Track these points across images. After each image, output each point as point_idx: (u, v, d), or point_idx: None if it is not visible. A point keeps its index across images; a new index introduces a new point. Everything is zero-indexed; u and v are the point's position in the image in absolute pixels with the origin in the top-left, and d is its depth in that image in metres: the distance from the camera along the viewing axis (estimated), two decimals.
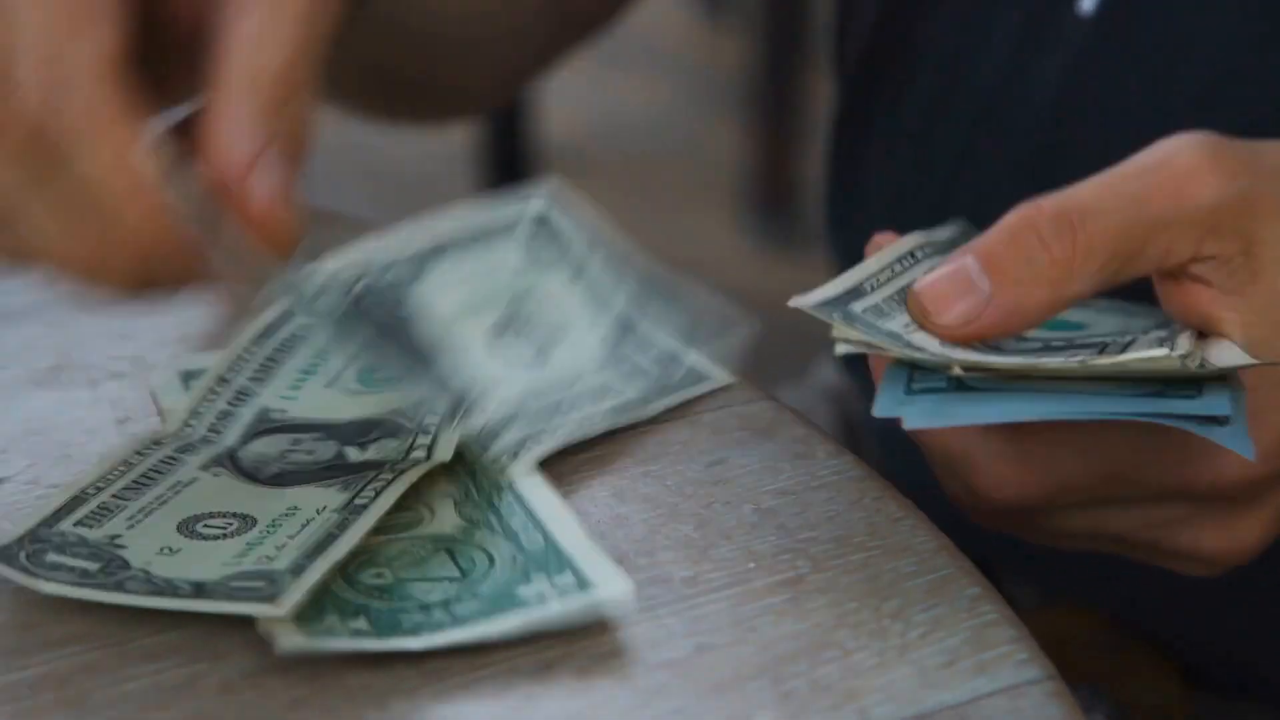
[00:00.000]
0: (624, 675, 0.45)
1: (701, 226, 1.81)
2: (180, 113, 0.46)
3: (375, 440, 0.50)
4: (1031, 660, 0.45)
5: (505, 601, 0.46)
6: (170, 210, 0.43)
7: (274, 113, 0.44)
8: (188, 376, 0.53)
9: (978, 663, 0.45)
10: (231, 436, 0.50)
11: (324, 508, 0.47)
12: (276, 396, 0.52)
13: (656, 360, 0.52)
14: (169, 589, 0.45)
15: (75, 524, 0.47)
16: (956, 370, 0.48)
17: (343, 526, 0.46)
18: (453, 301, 0.51)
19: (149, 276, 0.44)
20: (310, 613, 0.45)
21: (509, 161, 1.77)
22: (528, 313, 0.52)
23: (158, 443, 0.50)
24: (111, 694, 0.43)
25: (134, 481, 0.48)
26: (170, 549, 0.46)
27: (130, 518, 0.47)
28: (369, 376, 0.52)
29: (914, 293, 0.49)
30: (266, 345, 0.53)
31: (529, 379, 0.51)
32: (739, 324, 0.53)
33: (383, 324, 0.49)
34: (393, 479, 0.48)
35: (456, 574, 0.47)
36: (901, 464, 0.67)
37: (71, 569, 0.45)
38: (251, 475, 0.49)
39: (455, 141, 1.91)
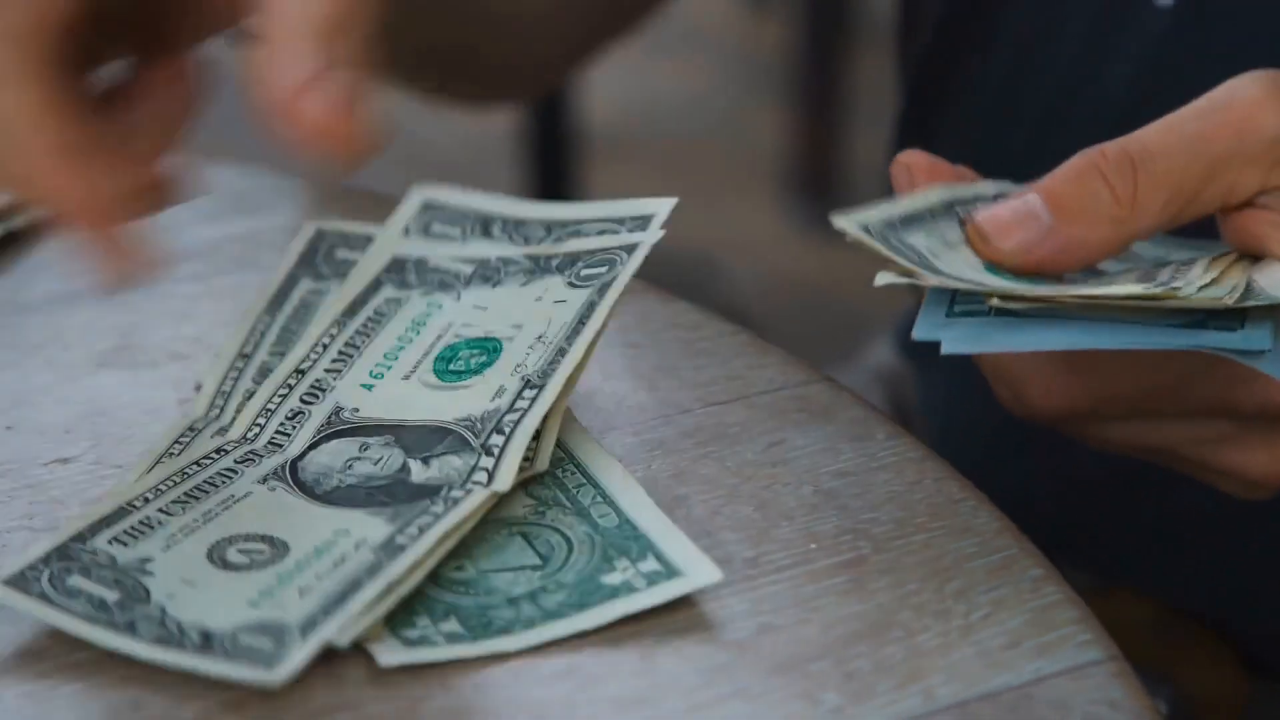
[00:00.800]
0: (688, 655, 0.45)
1: (743, 211, 1.81)
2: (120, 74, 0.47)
3: (441, 455, 0.48)
4: (1095, 641, 0.45)
5: (592, 591, 0.46)
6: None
7: (329, 41, 0.44)
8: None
9: (1041, 644, 0.45)
10: (299, 442, 0.49)
11: (362, 543, 0.46)
12: (354, 387, 0.51)
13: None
14: (177, 638, 0.44)
15: (111, 540, 0.46)
16: (995, 301, 0.48)
17: (373, 572, 0.45)
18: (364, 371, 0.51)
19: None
20: (401, 615, 0.45)
21: (549, 147, 1.77)
22: (428, 335, 0.51)
23: (192, 429, 0.49)
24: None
25: (186, 494, 0.47)
26: (193, 581, 0.45)
27: (169, 537, 0.46)
28: (444, 368, 0.51)
29: (975, 221, 0.50)
30: (349, 326, 0.52)
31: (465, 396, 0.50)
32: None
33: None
34: (441, 514, 0.47)
35: (536, 561, 0.47)
36: (956, 446, 0.67)
37: (90, 597, 0.44)
38: (309, 490, 0.48)
39: (495, 128, 1.91)
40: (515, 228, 0.53)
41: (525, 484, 0.49)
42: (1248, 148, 0.50)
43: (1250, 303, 0.48)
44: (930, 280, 0.49)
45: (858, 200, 0.54)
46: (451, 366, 0.51)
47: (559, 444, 0.50)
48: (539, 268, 0.52)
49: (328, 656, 0.44)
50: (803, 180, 1.86)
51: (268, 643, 0.44)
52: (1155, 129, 0.50)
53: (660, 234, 0.51)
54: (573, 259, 0.52)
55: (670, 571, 0.46)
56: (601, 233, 0.52)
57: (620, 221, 0.52)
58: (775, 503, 0.49)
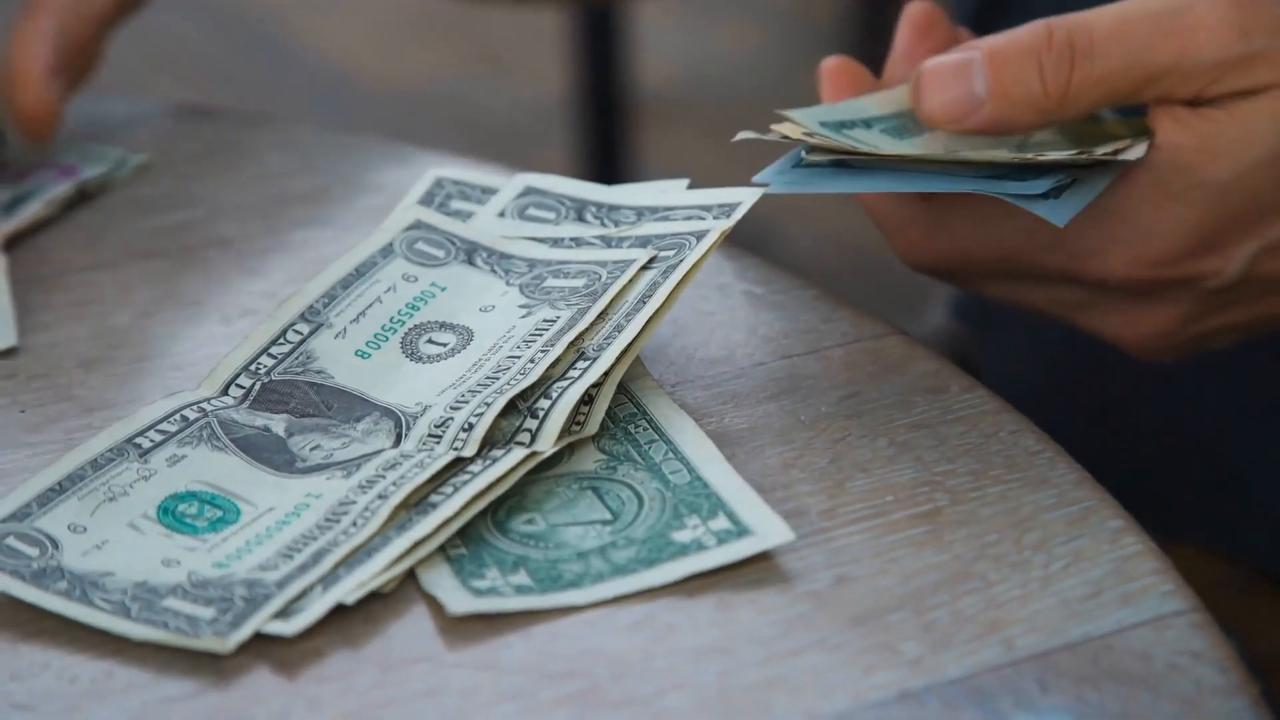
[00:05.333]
0: (765, 606, 0.45)
1: None
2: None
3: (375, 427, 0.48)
4: (1177, 592, 0.44)
5: (662, 547, 0.46)
6: None
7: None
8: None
9: (1122, 594, 0.44)
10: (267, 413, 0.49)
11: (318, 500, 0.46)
12: (349, 355, 0.50)
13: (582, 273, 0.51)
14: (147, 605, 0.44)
15: (63, 503, 0.46)
16: (805, 155, 0.51)
17: (402, 528, 0.45)
18: (359, 340, 0.51)
19: None
20: (470, 566, 0.45)
21: (602, 110, 1.77)
22: (434, 313, 0.51)
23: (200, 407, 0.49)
24: None
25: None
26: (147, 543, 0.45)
27: (124, 501, 0.46)
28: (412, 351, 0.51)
29: (920, 70, 0.52)
30: (349, 295, 0.52)
31: (465, 367, 0.50)
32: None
33: (303, 398, 0.49)
34: (478, 472, 0.47)
35: (607, 516, 0.47)
36: (1021, 409, 0.67)
37: (25, 558, 0.45)
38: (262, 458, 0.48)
39: (546, 91, 1.91)
40: (608, 212, 0.53)
41: (596, 439, 0.49)
42: (1186, 66, 0.51)
43: (1044, 156, 0.51)
44: (827, 139, 0.51)
45: None
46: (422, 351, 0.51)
47: (631, 398, 0.50)
48: (611, 249, 0.52)
49: (400, 608, 0.44)
50: None
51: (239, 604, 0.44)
52: (1109, 20, 0.52)
53: (731, 224, 0.51)
54: (644, 242, 0.52)
55: (741, 530, 0.46)
56: (688, 218, 0.52)
57: (707, 208, 0.52)
58: (850, 455, 0.49)
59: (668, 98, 1.93)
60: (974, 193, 0.51)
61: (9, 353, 0.53)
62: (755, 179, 0.51)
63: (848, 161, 0.51)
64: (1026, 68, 0.51)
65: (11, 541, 0.45)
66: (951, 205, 0.54)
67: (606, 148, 1.66)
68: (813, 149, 0.51)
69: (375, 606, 0.45)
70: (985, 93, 0.52)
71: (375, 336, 0.51)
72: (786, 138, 0.51)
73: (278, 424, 0.49)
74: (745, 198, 0.52)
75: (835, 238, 1.68)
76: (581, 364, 0.49)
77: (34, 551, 0.45)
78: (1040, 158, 0.51)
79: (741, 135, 0.52)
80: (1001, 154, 0.52)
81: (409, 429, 0.49)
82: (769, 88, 1.98)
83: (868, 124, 0.53)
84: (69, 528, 0.46)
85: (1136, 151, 0.52)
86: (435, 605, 0.45)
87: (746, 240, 0.57)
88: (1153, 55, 0.51)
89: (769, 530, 0.46)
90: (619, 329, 0.50)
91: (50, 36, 0.61)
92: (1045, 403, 0.68)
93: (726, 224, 0.51)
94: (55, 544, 0.45)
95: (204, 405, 0.49)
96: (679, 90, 1.96)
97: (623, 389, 0.50)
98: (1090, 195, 0.51)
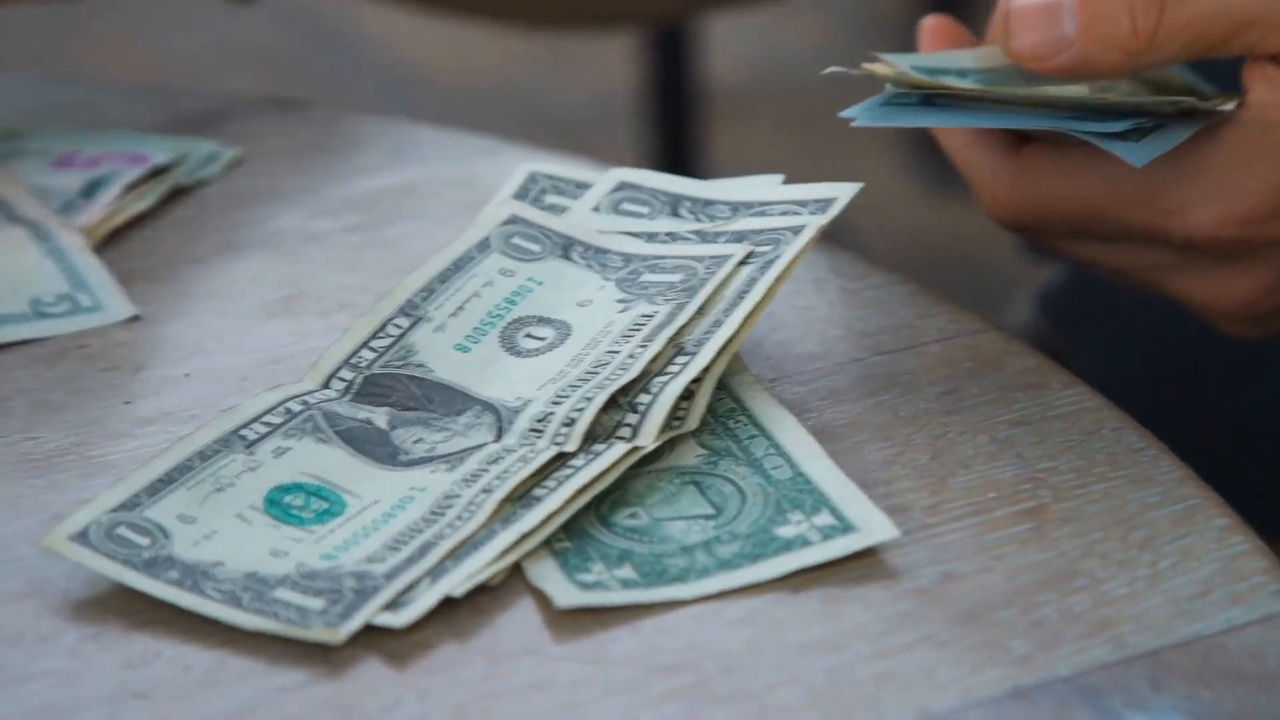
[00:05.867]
0: (871, 601, 0.45)
1: (868, 168, 1.80)
2: None
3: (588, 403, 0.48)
4: None
5: (766, 542, 0.46)
6: None
7: None
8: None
9: (1232, 593, 0.44)
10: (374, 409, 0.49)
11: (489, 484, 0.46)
12: (447, 349, 0.51)
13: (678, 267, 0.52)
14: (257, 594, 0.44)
15: (172, 493, 0.46)
16: (889, 87, 0.52)
17: (507, 521, 0.46)
18: (458, 334, 0.51)
19: None
20: (575, 559, 0.46)
21: (672, 104, 1.77)
22: (532, 307, 0.52)
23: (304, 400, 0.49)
24: None
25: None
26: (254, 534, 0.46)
27: (231, 492, 0.47)
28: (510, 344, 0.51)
29: (1009, 11, 0.52)
30: (445, 290, 0.52)
31: (563, 362, 0.50)
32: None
33: (404, 392, 0.49)
34: (581, 467, 0.47)
35: (710, 510, 0.47)
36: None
37: (135, 546, 0.45)
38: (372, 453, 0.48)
39: (616, 85, 1.91)
40: (702, 207, 0.53)
41: (697, 434, 0.49)
42: (1274, 17, 0.51)
43: (1125, 98, 0.51)
44: (913, 79, 0.51)
45: None
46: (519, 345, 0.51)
47: (730, 393, 0.50)
48: (707, 244, 0.52)
49: (507, 601, 0.45)
50: (929, 137, 1.85)
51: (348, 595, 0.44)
52: None
53: (828, 219, 0.51)
54: (740, 237, 0.52)
55: (846, 526, 0.46)
56: (784, 214, 0.52)
57: (803, 204, 0.52)
58: (951, 451, 0.49)
59: (734, 92, 1.93)
60: (1055, 130, 0.51)
61: (132, 321, 0.54)
62: (842, 113, 0.52)
63: (933, 101, 0.52)
64: (1116, 7, 0.52)
65: (123, 531, 0.45)
66: (1038, 157, 0.54)
67: (675, 143, 1.66)
68: (899, 84, 0.52)
69: (482, 599, 0.45)
70: (1074, 32, 0.52)
71: (474, 330, 0.52)
72: (875, 76, 0.52)
73: (380, 417, 0.49)
74: (842, 193, 0.52)
75: (906, 230, 1.68)
76: (681, 359, 0.49)
77: (145, 541, 0.45)
78: (1125, 99, 0.51)
79: (830, 70, 0.53)
80: (1085, 93, 0.52)
81: (510, 423, 0.49)
82: (835, 82, 1.97)
83: (961, 74, 0.54)
84: (178, 518, 0.46)
85: (1224, 105, 0.52)
86: (541, 598, 0.45)
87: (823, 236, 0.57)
88: (1240, 6, 0.51)
89: (874, 526, 0.46)
90: (718, 324, 0.50)
91: None
92: (1134, 397, 0.68)
93: (823, 219, 0.51)
94: (165, 533, 0.46)
95: (307, 398, 0.49)
96: (745, 85, 1.96)
97: (722, 384, 0.50)
98: (1171, 143, 0.51)
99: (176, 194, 0.61)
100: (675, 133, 1.70)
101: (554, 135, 1.89)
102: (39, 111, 0.65)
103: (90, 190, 0.60)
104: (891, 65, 0.52)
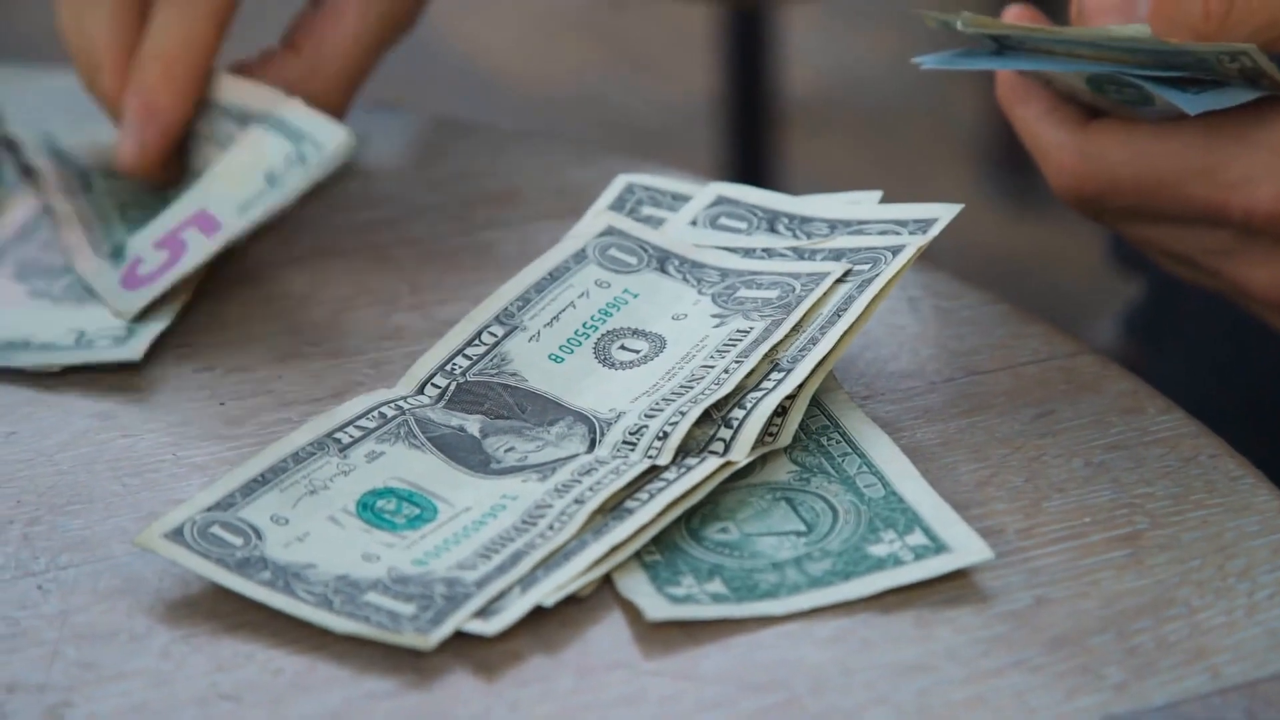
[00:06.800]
0: (963, 624, 0.44)
1: (943, 183, 1.79)
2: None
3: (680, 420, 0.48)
4: None
5: (858, 561, 0.46)
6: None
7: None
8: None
9: None
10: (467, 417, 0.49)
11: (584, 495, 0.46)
12: (541, 359, 0.51)
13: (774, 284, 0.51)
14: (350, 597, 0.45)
15: (265, 495, 0.46)
16: (960, 25, 0.52)
17: (599, 533, 0.46)
18: (552, 344, 0.51)
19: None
20: (666, 573, 0.46)
21: (748, 116, 1.77)
22: (627, 319, 0.51)
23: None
24: None
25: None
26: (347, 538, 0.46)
27: (325, 494, 0.47)
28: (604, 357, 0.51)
29: None
30: (541, 299, 0.52)
31: (656, 375, 0.50)
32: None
33: (497, 400, 0.49)
34: (673, 480, 0.47)
35: (801, 527, 0.47)
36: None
37: (229, 545, 0.45)
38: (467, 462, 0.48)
39: (692, 95, 1.91)
40: (800, 224, 0.53)
41: (789, 450, 0.49)
42: None
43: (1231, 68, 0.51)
44: (997, 29, 0.52)
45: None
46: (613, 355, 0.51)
47: (823, 410, 0.50)
48: (804, 261, 0.52)
49: (596, 613, 0.45)
50: (1003, 152, 1.84)
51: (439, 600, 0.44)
52: None
53: (928, 240, 0.51)
54: (838, 254, 0.52)
55: (939, 547, 0.46)
56: (883, 233, 0.52)
57: (903, 223, 0.52)
58: (1046, 474, 0.49)
59: (809, 103, 1.93)
60: (1117, 79, 0.51)
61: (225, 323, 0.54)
62: (914, 59, 0.52)
63: (1003, 52, 0.52)
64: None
65: (216, 530, 0.46)
66: (1106, 130, 0.54)
67: (750, 153, 1.66)
68: (971, 26, 0.52)
69: (572, 610, 0.45)
70: (1145, 14, 0.52)
71: (568, 341, 0.51)
72: (945, 23, 0.52)
73: (472, 425, 0.49)
74: (943, 214, 0.52)
75: (979, 246, 1.67)
76: (776, 375, 0.49)
77: (238, 541, 0.45)
78: (1189, 46, 0.51)
79: (929, 17, 0.53)
80: (1149, 38, 0.51)
81: (602, 434, 0.49)
82: (910, 94, 1.97)
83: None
84: (271, 519, 0.46)
85: None
86: (631, 611, 0.45)
87: None
88: None
89: (967, 548, 0.46)
90: (813, 341, 0.50)
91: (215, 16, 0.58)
92: (1213, 413, 0.68)
93: (923, 240, 0.51)
94: (259, 534, 0.46)
95: (401, 403, 0.49)
96: (820, 96, 1.96)
97: (815, 401, 0.50)
98: (1230, 101, 0.51)
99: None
100: (750, 143, 1.70)
101: (630, 144, 1.89)
102: None
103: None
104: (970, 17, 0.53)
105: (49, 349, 0.53)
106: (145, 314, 0.54)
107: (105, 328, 0.54)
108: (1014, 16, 0.56)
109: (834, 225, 0.53)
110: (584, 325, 0.52)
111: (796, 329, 0.50)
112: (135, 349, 0.53)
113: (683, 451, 0.48)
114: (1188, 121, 0.52)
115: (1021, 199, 1.82)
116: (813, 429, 0.50)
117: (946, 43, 0.55)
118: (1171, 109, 0.51)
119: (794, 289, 0.51)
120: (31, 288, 0.56)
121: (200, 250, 0.55)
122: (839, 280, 0.51)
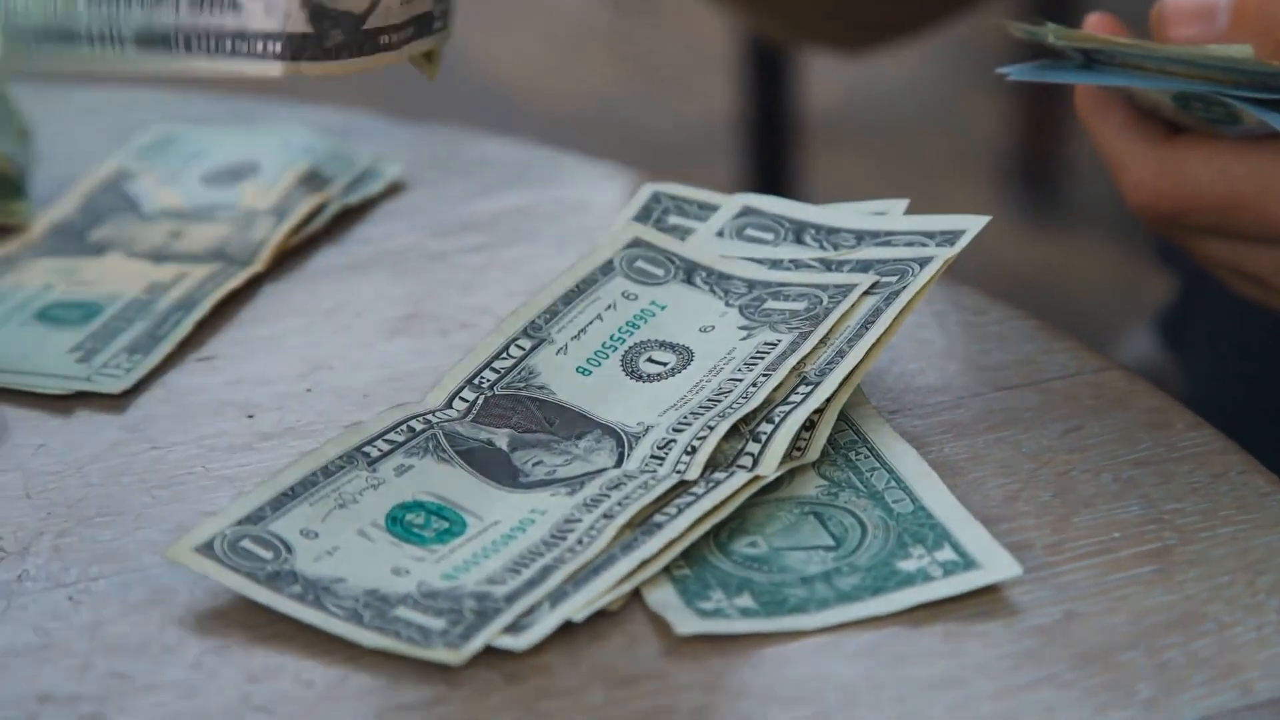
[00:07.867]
0: (993, 640, 0.44)
1: (963, 200, 1.79)
2: None
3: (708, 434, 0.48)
4: None
5: (887, 576, 0.46)
6: None
7: None
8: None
9: None
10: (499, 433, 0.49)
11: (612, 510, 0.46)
12: (569, 373, 0.51)
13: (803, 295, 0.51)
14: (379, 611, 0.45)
15: (295, 508, 0.46)
16: (1050, 38, 0.52)
17: (628, 548, 0.46)
18: (580, 357, 0.51)
19: None
20: (695, 587, 0.46)
21: (769, 133, 1.77)
22: (655, 331, 0.52)
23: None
24: None
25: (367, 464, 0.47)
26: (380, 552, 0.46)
27: (355, 508, 0.47)
28: (632, 368, 0.52)
29: (1162, 5, 0.53)
30: (570, 311, 0.52)
31: (685, 387, 0.50)
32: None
33: (526, 414, 0.49)
34: (701, 494, 0.47)
35: (830, 541, 0.47)
36: (1224, 430, 0.66)
37: (260, 559, 0.45)
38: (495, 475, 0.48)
39: (713, 112, 1.91)
40: (827, 235, 0.53)
41: (817, 464, 0.49)
42: None
43: None
44: (1092, 43, 0.52)
45: (1081, 191, 0.55)
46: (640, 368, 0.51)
47: (851, 425, 0.50)
48: (831, 272, 0.52)
49: (626, 627, 0.45)
50: (1024, 169, 1.84)
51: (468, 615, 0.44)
52: None
53: (956, 252, 0.51)
54: (865, 266, 0.52)
55: (968, 562, 0.46)
56: (910, 244, 0.52)
57: (930, 235, 0.52)
58: (1074, 489, 0.49)
59: (829, 121, 1.93)
60: (1208, 98, 0.51)
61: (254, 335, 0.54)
62: (999, 69, 0.52)
63: (1091, 65, 0.52)
64: (1271, 9, 0.51)
65: (246, 544, 0.46)
66: (1190, 146, 0.53)
67: (771, 170, 1.66)
68: (1062, 37, 0.52)
69: (602, 624, 0.45)
70: (1225, 26, 0.52)
71: (596, 354, 0.52)
72: (1031, 33, 0.52)
73: (501, 438, 0.49)
74: (970, 225, 0.52)
75: (1000, 263, 1.67)
76: (804, 389, 0.49)
77: (268, 554, 0.46)
78: None
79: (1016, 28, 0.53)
80: (1251, 59, 0.51)
81: (631, 448, 0.49)
82: (937, 112, 1.97)
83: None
84: (301, 533, 0.46)
85: None
86: (660, 625, 0.45)
87: None
88: None
89: (996, 563, 0.46)
90: (841, 354, 0.50)
91: None
92: (1252, 431, 0.67)
93: (951, 252, 0.51)
94: (288, 548, 0.46)
95: (429, 417, 0.50)
96: (840, 113, 1.96)
97: (843, 416, 0.50)
98: None
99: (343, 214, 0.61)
100: (771, 160, 1.70)
101: (652, 161, 1.89)
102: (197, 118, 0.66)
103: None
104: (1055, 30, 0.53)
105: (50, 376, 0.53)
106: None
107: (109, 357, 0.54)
108: (1096, 26, 0.55)
109: (861, 236, 0.53)
110: (611, 338, 0.52)
111: (824, 342, 0.50)
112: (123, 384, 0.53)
113: (711, 466, 0.48)
114: (1269, 141, 0.52)
115: (1041, 215, 1.82)
116: (841, 443, 0.50)
117: (966, 57, 0.55)
118: (1259, 128, 0.51)
119: (821, 301, 0.51)
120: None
121: None
122: (867, 292, 0.51)
